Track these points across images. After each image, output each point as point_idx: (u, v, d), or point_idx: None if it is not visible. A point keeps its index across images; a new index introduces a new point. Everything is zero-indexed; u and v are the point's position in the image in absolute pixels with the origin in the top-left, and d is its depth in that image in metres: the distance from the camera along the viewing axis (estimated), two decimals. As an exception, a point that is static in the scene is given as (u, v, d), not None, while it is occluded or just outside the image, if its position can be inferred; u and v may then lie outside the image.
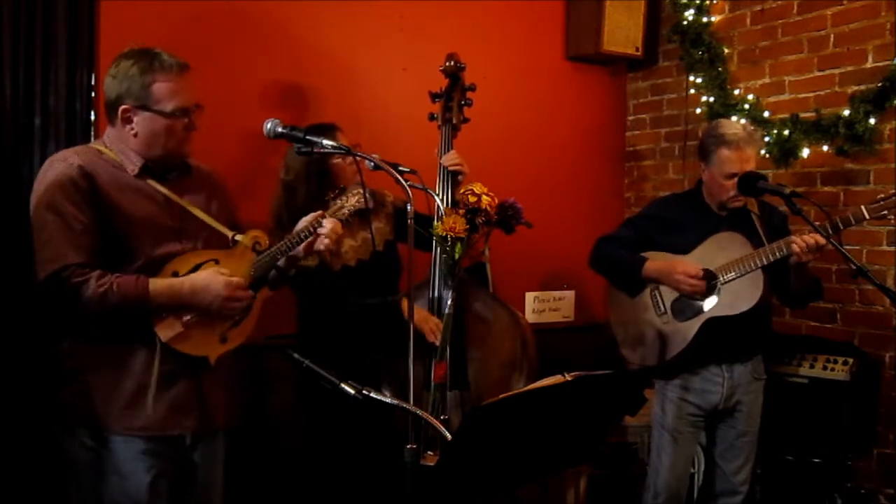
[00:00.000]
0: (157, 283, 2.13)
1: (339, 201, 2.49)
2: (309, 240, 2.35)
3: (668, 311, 3.03)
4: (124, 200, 2.17)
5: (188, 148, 2.29)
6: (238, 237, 2.32)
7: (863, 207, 2.70)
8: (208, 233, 2.31)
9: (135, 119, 2.19)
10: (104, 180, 2.15)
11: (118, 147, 2.23)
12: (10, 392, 2.82)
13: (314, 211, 2.84)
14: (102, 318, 2.10)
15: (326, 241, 2.35)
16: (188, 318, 2.17)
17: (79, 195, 2.11)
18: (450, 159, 2.94)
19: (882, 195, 2.75)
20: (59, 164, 2.15)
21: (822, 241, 2.66)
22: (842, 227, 2.70)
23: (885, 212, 2.69)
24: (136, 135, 2.20)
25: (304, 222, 2.38)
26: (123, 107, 2.17)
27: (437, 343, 2.77)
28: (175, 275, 2.18)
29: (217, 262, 2.26)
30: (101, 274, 2.07)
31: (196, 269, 2.22)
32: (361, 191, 2.43)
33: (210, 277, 2.18)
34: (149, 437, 2.17)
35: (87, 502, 2.21)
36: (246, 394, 3.29)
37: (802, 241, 2.68)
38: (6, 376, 2.83)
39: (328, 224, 2.35)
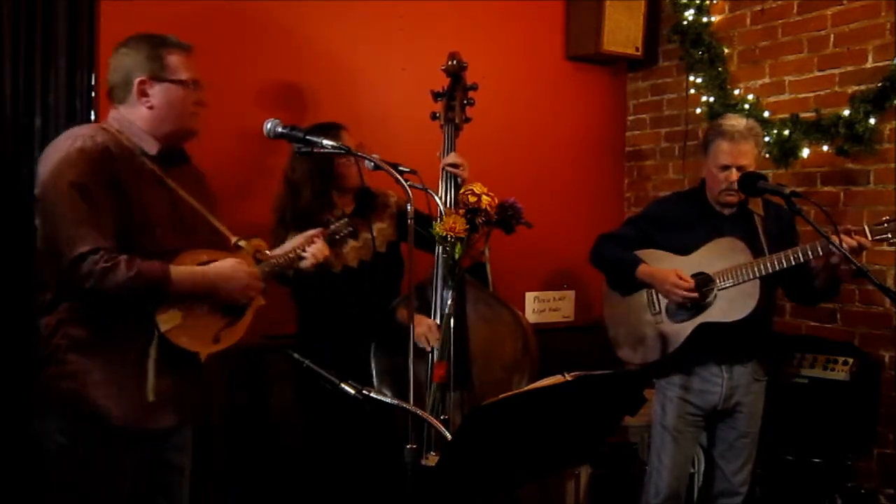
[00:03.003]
0: (180, 271, 2.15)
1: (332, 227, 2.72)
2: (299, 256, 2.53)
3: (663, 312, 3.03)
4: (139, 189, 2.16)
5: (198, 125, 2.31)
6: (241, 243, 2.36)
7: (866, 227, 2.71)
8: (209, 232, 2.32)
9: (150, 91, 2.21)
10: (123, 165, 2.15)
11: (129, 129, 2.22)
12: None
13: (318, 211, 2.87)
14: (116, 300, 2.08)
15: (306, 263, 2.54)
16: (192, 308, 2.19)
17: (103, 176, 2.09)
18: (449, 160, 2.93)
19: (887, 217, 2.75)
20: (83, 140, 2.10)
21: (866, 243, 2.67)
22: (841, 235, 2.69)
23: (889, 235, 2.69)
24: (151, 107, 2.21)
25: (300, 239, 2.55)
26: (140, 79, 2.20)
27: (429, 348, 2.77)
28: None
29: None
30: (129, 259, 2.06)
31: None
32: (348, 220, 2.78)
33: (235, 266, 2.25)
34: (126, 426, 2.16)
35: (59, 483, 2.18)
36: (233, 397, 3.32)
37: (846, 244, 2.64)
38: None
39: (313, 248, 2.54)
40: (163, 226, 2.20)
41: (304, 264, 2.54)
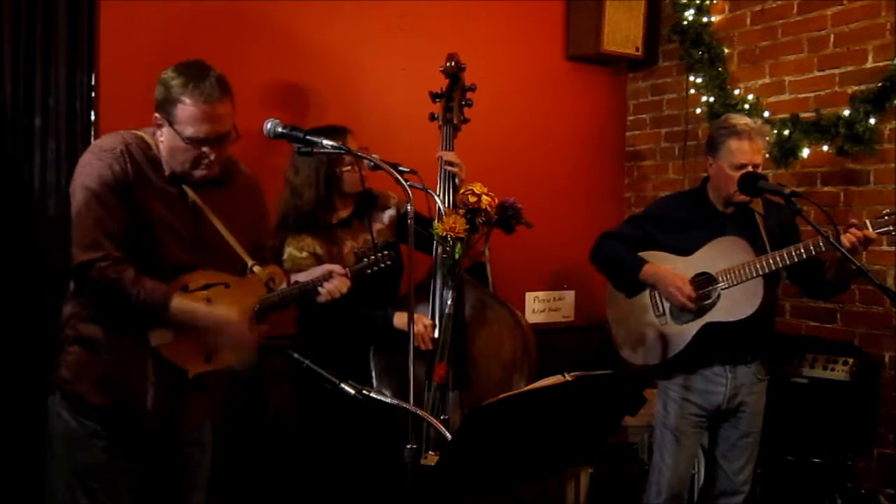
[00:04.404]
0: (181, 303, 2.15)
1: (365, 260, 2.65)
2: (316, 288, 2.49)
3: (667, 313, 3.02)
4: (150, 201, 2.18)
5: (209, 172, 2.24)
6: (256, 268, 2.34)
7: (867, 221, 2.71)
8: (224, 250, 2.30)
9: (162, 129, 2.20)
10: (140, 176, 2.17)
11: (160, 144, 2.24)
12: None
13: (319, 214, 2.87)
14: (113, 308, 2.14)
15: (323, 299, 2.50)
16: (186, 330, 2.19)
17: (121, 188, 2.14)
18: (446, 157, 2.93)
19: (888, 210, 2.75)
20: (108, 154, 2.15)
21: (872, 235, 2.68)
22: (842, 233, 2.69)
23: (890, 227, 2.69)
24: (163, 142, 2.22)
25: (318, 271, 2.50)
26: (156, 114, 2.20)
27: (425, 347, 2.77)
28: (185, 289, 2.20)
29: (228, 286, 2.28)
30: (136, 276, 2.11)
31: (206, 287, 2.24)
32: (390, 252, 2.69)
33: (235, 319, 2.21)
34: (115, 424, 2.19)
35: (56, 467, 2.23)
36: (232, 397, 3.30)
37: (853, 236, 2.66)
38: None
39: (332, 284, 2.48)
40: (174, 241, 2.21)
41: (319, 299, 2.49)
